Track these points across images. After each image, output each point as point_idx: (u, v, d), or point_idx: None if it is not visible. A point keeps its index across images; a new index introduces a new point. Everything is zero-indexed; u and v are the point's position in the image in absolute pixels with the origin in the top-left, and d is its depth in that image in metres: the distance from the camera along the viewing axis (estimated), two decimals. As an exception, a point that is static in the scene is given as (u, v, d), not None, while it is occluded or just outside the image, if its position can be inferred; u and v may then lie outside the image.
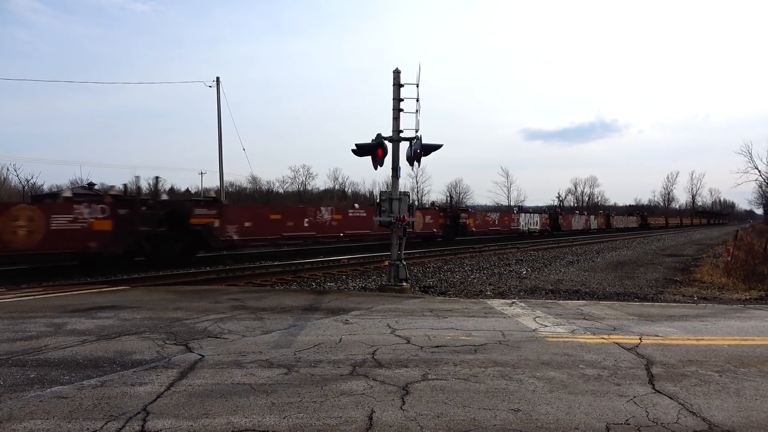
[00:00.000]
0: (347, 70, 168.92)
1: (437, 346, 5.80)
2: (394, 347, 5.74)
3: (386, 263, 18.16)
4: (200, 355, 5.38)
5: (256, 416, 3.76)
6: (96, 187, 31.30)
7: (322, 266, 17.06)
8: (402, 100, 12.33)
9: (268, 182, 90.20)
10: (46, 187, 58.86)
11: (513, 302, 9.56)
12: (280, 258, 20.16)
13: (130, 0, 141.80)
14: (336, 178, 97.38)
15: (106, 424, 3.62)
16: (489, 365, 5.10)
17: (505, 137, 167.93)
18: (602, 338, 6.38)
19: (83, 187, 31.50)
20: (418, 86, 12.13)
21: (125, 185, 18.96)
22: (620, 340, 6.28)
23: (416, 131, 12.08)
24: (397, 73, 12.39)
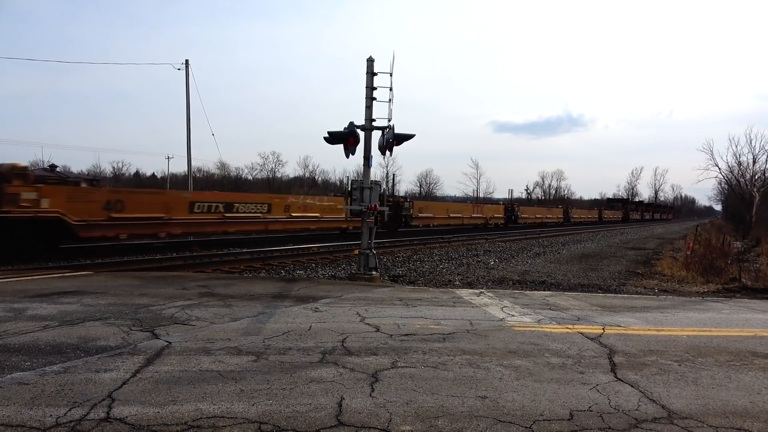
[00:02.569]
0: (318, 58, 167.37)
1: (406, 335, 5.85)
2: (363, 335, 5.76)
3: (356, 252, 18.18)
4: (167, 341, 5.31)
5: (224, 403, 3.73)
6: (58, 169, 30.41)
7: (292, 254, 16.96)
8: (375, 88, 12.29)
9: (236, 168, 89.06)
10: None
11: (481, 292, 9.68)
12: (249, 245, 19.95)
13: None
14: (306, 166, 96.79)
15: (69, 410, 3.54)
16: (457, 353, 5.16)
17: (474, 129, 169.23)
18: (567, 328, 6.52)
19: (44, 169, 30.56)
20: (391, 75, 12.10)
21: None
22: (584, 330, 6.43)
23: (389, 120, 12.06)
24: (370, 61, 12.33)
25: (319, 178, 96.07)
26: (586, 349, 5.54)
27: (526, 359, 5.05)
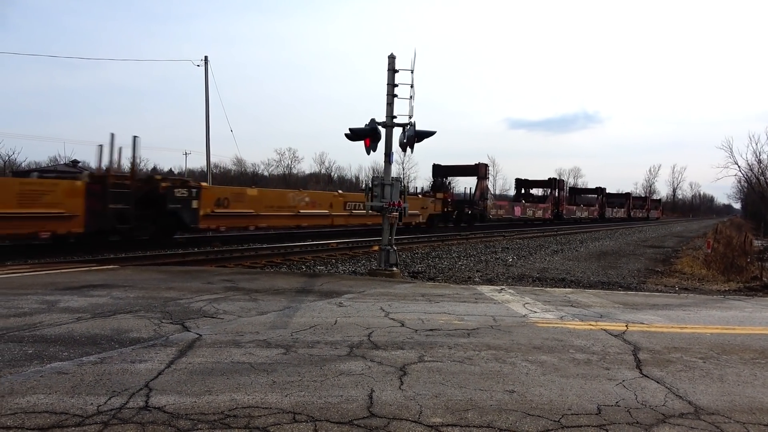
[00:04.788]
0: (333, 54, 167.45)
1: (431, 330, 5.91)
2: (389, 330, 5.84)
3: (375, 248, 18.28)
4: (197, 334, 5.43)
5: (258, 394, 3.83)
6: (80, 164, 30.93)
7: (312, 250, 17.10)
8: (396, 85, 12.35)
9: (253, 165, 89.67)
10: (26, 163, 57.86)
11: (502, 289, 9.72)
12: (269, 240, 20.15)
13: None
14: (322, 162, 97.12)
15: (109, 399, 3.66)
16: (482, 348, 5.22)
17: (487, 126, 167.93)
18: (590, 325, 6.54)
19: (66, 164, 31.10)
20: (412, 72, 12.15)
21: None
22: (607, 327, 6.45)
23: (410, 117, 12.11)
24: (392, 58, 12.39)
25: (335, 175, 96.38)
26: (610, 345, 5.56)
27: (551, 355, 5.09)
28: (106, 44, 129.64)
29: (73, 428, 3.22)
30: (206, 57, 35.20)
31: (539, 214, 50.06)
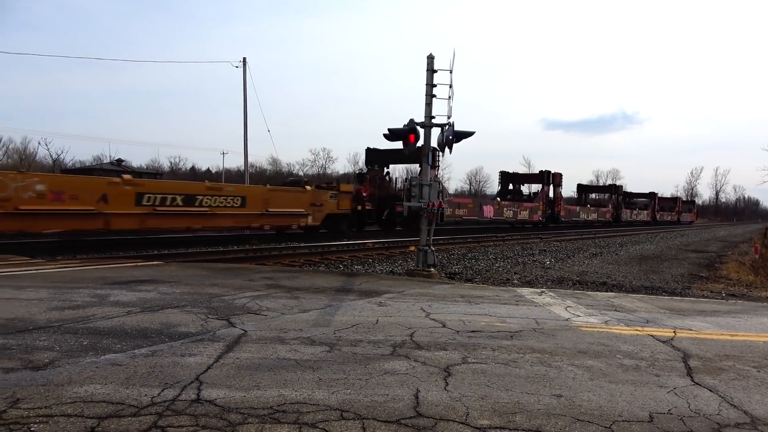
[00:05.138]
0: (368, 55, 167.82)
1: (473, 331, 5.88)
2: (430, 330, 5.84)
3: (411, 248, 18.29)
4: (243, 330, 5.53)
5: (305, 390, 3.88)
6: (123, 163, 31.86)
7: (349, 249, 17.22)
8: (435, 85, 12.33)
9: (288, 164, 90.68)
10: (71, 163, 59.88)
11: (542, 291, 9.59)
12: (306, 239, 20.36)
13: None
14: (356, 162, 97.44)
15: (162, 391, 3.76)
16: (527, 351, 5.16)
17: (523, 126, 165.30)
18: (636, 330, 6.40)
19: (111, 164, 32.10)
20: (451, 72, 12.09)
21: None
22: (654, 333, 6.29)
23: (448, 117, 12.07)
24: (431, 58, 12.37)
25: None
26: (658, 352, 5.42)
27: (598, 360, 5.00)
28: (147, 47, 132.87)
29: (130, 418, 3.31)
30: (244, 59, 35.82)
31: (524, 215, 41.09)
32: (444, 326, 6.07)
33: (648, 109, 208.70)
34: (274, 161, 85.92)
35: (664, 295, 10.97)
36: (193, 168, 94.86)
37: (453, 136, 11.77)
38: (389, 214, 27.16)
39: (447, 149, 11.94)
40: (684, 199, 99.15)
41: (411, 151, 29.81)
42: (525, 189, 48.58)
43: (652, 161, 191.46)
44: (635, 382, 4.41)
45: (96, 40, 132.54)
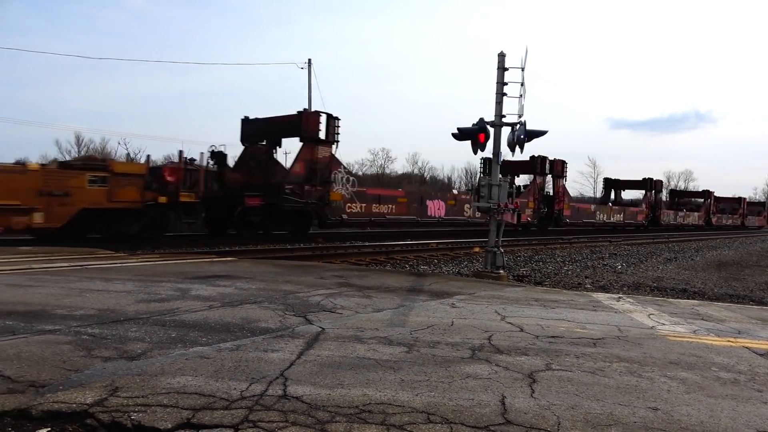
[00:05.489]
0: (428, 55, 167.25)
1: (553, 337, 5.70)
2: (508, 334, 5.70)
3: (476, 249, 18.07)
4: (320, 327, 5.58)
5: (389, 391, 3.85)
6: (195, 161, 33.03)
7: (413, 249, 17.19)
8: (506, 84, 12.13)
9: (347, 164, 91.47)
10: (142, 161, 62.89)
11: (619, 297, 9.21)
12: (368, 239, 20.49)
13: None
14: (415, 162, 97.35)
15: (250, 385, 3.83)
16: (613, 360, 4.95)
17: (587, 125, 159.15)
18: (729, 341, 6.02)
19: (184, 162, 33.31)
20: (523, 70, 11.84)
21: None
22: (749, 345, 5.90)
23: (519, 116, 11.82)
24: (501, 56, 12.15)
25: (428, 175, 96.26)
26: (757, 365, 5.07)
27: (691, 372, 4.73)
28: (213, 50, 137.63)
29: (222, 411, 3.39)
30: (309, 60, 36.45)
31: (509, 219, 31.94)
32: (522, 330, 5.91)
33: (722, 108, 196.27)
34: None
35: (752, 305, 10.31)
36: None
37: (525, 136, 11.51)
38: (242, 211, 19.19)
39: (518, 149, 11.69)
40: (753, 200, 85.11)
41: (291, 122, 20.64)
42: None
43: (728, 163, 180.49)
44: (736, 397, 4.13)
45: (167, 45, 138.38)
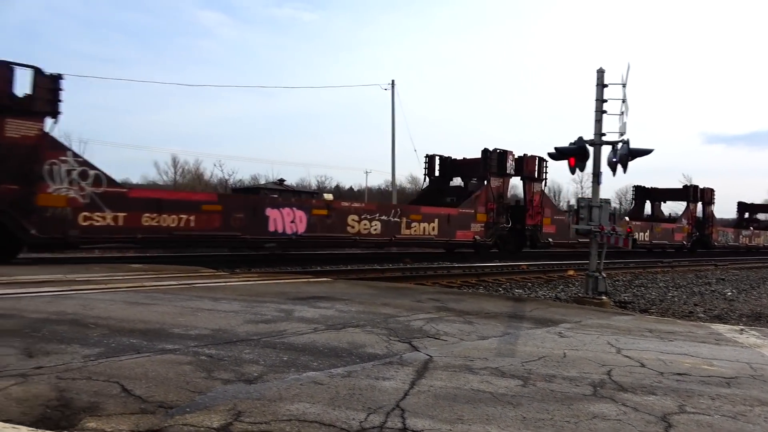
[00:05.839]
0: (506, 71, 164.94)
1: (679, 374, 5.26)
2: (629, 369, 5.32)
3: (570, 273, 17.36)
4: (427, 355, 5.47)
5: (511, 429, 3.66)
6: (286, 182, 34.29)
7: (504, 271, 16.75)
8: (605, 101, 11.65)
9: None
10: (232, 181, 65.97)
11: (741, 329, 8.45)
12: (455, 259, 20.22)
13: (300, 10, 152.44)
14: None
15: (368, 416, 3.77)
16: (754, 404, 4.48)
17: (678, 140, 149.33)
18: None
19: (274, 183, 34.78)
20: (624, 86, 11.33)
21: None
22: None
23: (621, 134, 11.31)
24: (600, 72, 11.72)
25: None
26: None
27: None
28: (297, 73, 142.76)
29: (345, 442, 3.34)
30: (393, 81, 36.99)
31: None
32: (643, 366, 5.51)
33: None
34: (413, 179, 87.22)
35: None
36: (337, 186, 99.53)
37: (628, 154, 10.96)
38: None
39: (620, 168, 11.14)
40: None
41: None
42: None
43: None
44: None
45: (254, 70, 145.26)
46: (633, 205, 39.25)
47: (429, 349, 5.71)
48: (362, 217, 19.78)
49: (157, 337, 5.69)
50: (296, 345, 5.59)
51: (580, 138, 11.42)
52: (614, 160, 11.23)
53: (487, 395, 4.34)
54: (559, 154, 11.46)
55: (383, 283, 11.67)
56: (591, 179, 11.78)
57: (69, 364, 4.65)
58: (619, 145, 11.12)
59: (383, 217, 20.26)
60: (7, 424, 3.44)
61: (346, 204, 20.38)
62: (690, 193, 36.14)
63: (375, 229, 20.06)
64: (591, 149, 11.46)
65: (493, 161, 23.92)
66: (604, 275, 11.01)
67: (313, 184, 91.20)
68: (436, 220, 21.69)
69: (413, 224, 21.01)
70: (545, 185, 25.72)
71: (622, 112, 11.31)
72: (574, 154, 11.35)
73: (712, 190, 37.33)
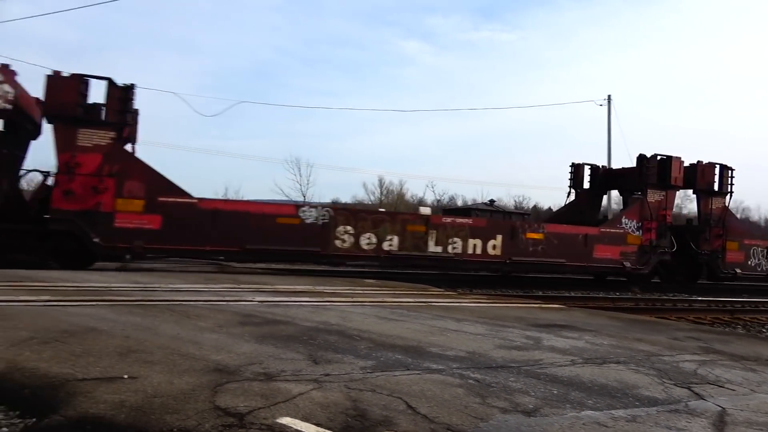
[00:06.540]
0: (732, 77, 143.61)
1: None
2: None
3: None
4: (717, 405, 4.78)
5: None
6: (495, 202, 34.20)
7: (759, 309, 14.40)
8: None
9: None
10: (431, 201, 68.08)
11: None
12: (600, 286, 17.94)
13: (497, 31, 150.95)
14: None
15: (677, 472, 3.35)
16: None
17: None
18: None
19: (485, 203, 34.87)
20: None
21: None
22: None
23: None
24: None
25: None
26: None
27: None
28: (494, 94, 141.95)
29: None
30: (609, 96, 34.77)
31: None
32: None
33: None
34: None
35: None
36: (535, 206, 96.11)
37: None
38: None
39: None
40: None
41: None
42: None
43: None
44: None
45: (452, 93, 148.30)
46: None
47: (716, 398, 5.00)
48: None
49: (418, 354, 5.88)
50: (560, 378, 5.32)
51: None
52: None
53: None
54: None
55: (623, 314, 10.74)
56: None
57: (351, 374, 5.00)
58: None
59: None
60: (319, 428, 3.76)
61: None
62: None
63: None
64: None
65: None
66: None
67: (510, 204, 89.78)
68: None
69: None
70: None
71: None
72: None
73: (730, 168, 21.24)
